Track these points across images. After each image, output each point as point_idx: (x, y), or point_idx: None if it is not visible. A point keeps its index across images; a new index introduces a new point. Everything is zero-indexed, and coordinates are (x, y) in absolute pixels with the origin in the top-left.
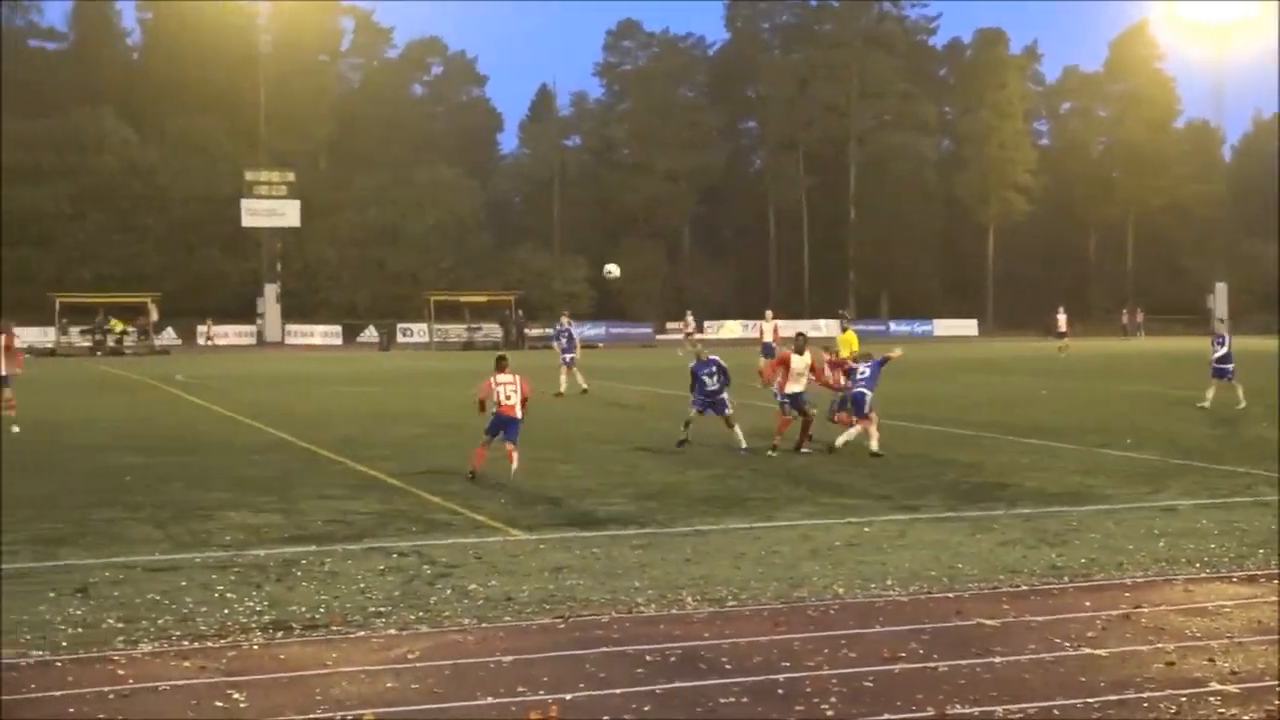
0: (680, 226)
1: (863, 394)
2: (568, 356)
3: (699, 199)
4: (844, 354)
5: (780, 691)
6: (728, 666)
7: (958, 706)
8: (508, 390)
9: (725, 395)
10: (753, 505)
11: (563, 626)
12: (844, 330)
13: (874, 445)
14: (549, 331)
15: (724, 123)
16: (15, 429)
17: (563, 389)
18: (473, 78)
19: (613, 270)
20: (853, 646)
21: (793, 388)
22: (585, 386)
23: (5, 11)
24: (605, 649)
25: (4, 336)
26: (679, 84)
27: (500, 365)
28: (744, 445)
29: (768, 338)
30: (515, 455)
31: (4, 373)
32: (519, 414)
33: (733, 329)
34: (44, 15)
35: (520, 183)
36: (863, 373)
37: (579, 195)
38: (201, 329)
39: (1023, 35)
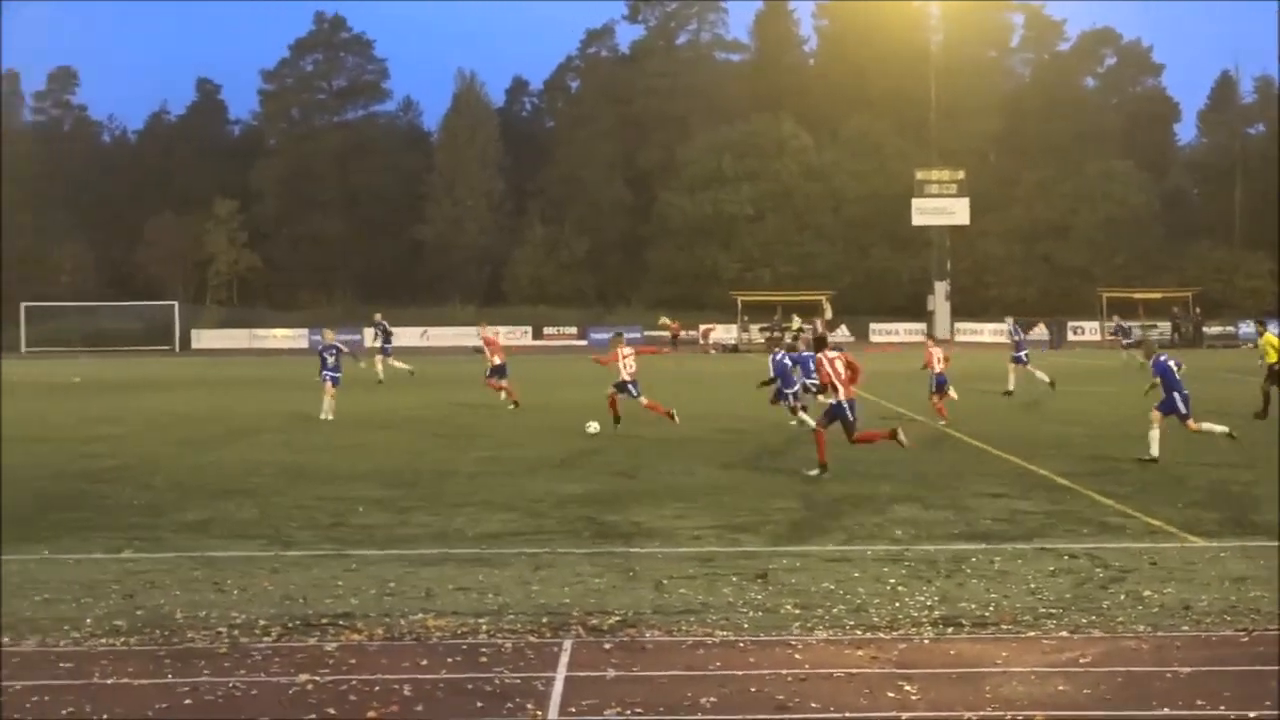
0: None
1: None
2: (1022, 354)
3: None
4: (1271, 359)
5: None
6: None
7: None
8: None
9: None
10: None
11: (1245, 640)
12: (1262, 334)
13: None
14: (1229, 330)
15: None
16: (512, 406)
17: (1010, 386)
18: (1148, 67)
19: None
20: None
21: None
22: (1011, 389)
23: (695, 26)
24: None
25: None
26: None
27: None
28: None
29: None
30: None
31: (499, 363)
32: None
33: None
34: (729, 29)
35: (1198, 174)
36: None
37: (1262, 186)
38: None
39: None
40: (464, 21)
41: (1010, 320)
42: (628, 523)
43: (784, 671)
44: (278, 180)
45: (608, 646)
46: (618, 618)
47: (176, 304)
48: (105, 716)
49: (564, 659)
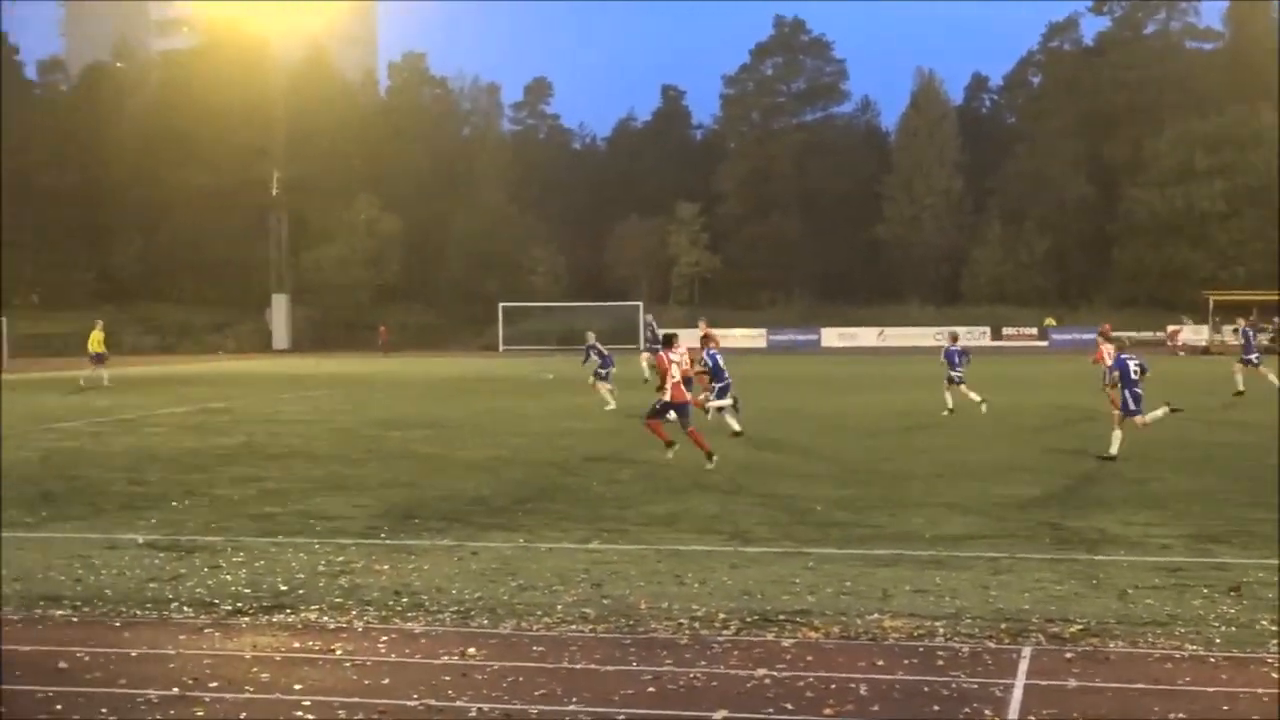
0: None
1: None
2: (1252, 356)
3: None
4: None
5: None
6: None
7: None
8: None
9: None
10: None
11: None
12: None
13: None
14: None
15: None
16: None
17: (1240, 387)
18: None
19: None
20: None
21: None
22: (1241, 389)
23: (1164, 15)
24: None
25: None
26: None
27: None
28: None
29: None
30: None
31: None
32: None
33: None
34: (1201, 18)
35: None
36: None
37: None
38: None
39: None
40: (923, 20)
41: (1241, 322)
42: (1091, 529)
43: (1260, 691)
44: (738, 182)
45: (1069, 655)
46: (1080, 626)
47: (641, 304)
48: (574, 700)
49: (1023, 666)
